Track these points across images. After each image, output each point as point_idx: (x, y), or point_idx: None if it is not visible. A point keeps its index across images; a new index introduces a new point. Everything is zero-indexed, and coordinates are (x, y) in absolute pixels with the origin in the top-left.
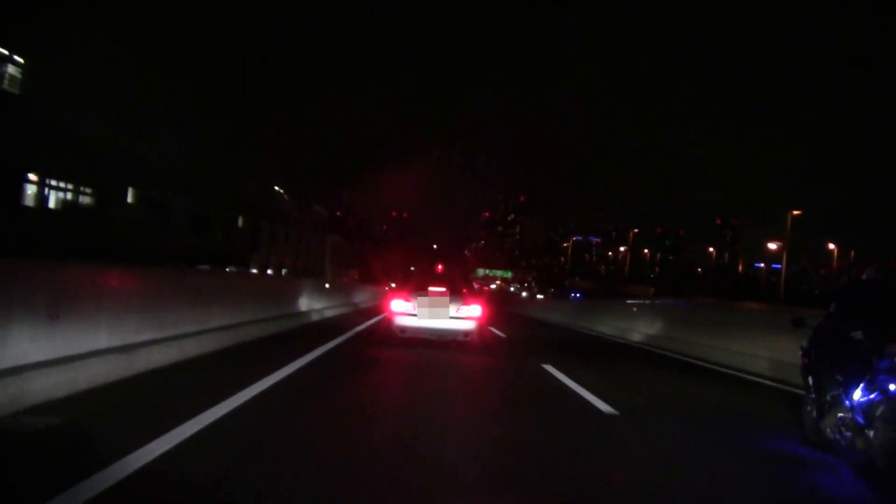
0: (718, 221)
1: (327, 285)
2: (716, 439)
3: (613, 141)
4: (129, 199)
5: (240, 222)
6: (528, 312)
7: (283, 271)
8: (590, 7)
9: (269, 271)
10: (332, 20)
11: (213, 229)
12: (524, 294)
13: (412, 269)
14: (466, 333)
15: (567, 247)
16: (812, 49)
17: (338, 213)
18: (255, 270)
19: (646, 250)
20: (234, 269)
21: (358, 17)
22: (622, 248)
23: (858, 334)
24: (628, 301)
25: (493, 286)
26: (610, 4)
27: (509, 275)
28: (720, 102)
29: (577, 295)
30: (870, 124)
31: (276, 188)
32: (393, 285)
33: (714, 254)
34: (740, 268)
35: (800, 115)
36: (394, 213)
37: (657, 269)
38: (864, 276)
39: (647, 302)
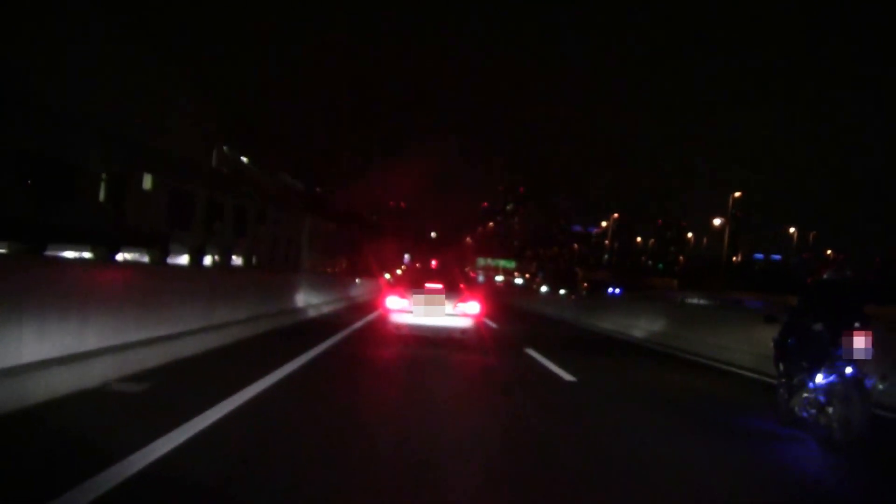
0: (720, 212)
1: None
2: None
3: (610, 133)
4: None
5: (148, 183)
6: (587, 323)
7: (237, 260)
8: (588, 6)
9: (210, 259)
10: (329, 14)
11: (88, 189)
12: (544, 289)
13: (406, 256)
14: (464, 331)
15: (601, 230)
16: (809, 39)
17: (317, 190)
18: (185, 259)
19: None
20: (135, 256)
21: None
22: (695, 232)
23: (819, 326)
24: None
25: (498, 278)
26: (607, 4)
27: (513, 265)
28: (715, 96)
29: (616, 291)
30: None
31: (225, 148)
32: (388, 276)
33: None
34: (740, 258)
35: (796, 106)
36: (391, 203)
37: (681, 258)
38: (824, 277)
39: None
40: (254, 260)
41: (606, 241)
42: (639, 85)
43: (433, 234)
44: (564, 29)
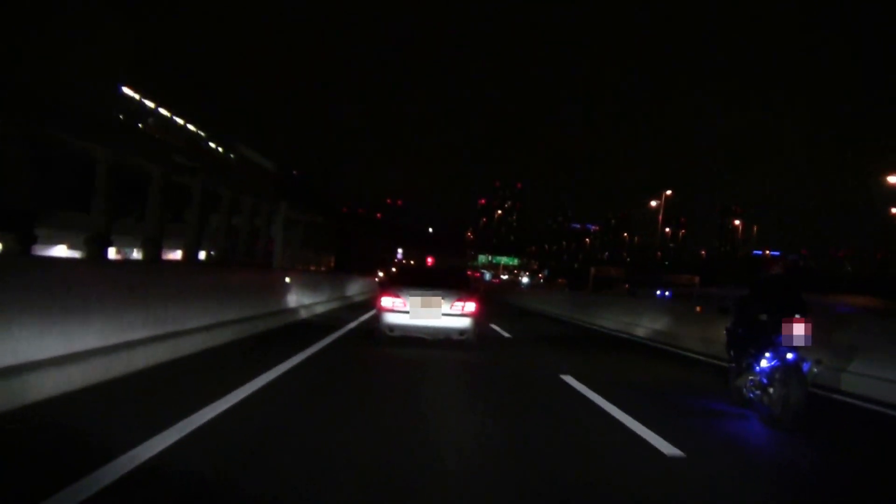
0: (719, 209)
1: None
2: None
3: (608, 129)
4: None
5: None
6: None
7: (180, 255)
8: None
9: (134, 253)
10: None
11: None
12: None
13: (399, 251)
14: (462, 332)
15: (599, 228)
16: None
17: (295, 172)
18: (74, 252)
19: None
20: None
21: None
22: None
23: (764, 316)
24: None
25: (504, 277)
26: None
27: (515, 262)
28: (712, 89)
29: (667, 294)
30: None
31: (142, 98)
32: (381, 275)
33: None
34: (737, 256)
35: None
36: (388, 201)
37: (703, 253)
38: (772, 272)
39: None
40: (212, 254)
41: (625, 234)
42: (639, 82)
43: (430, 230)
44: (568, 28)
